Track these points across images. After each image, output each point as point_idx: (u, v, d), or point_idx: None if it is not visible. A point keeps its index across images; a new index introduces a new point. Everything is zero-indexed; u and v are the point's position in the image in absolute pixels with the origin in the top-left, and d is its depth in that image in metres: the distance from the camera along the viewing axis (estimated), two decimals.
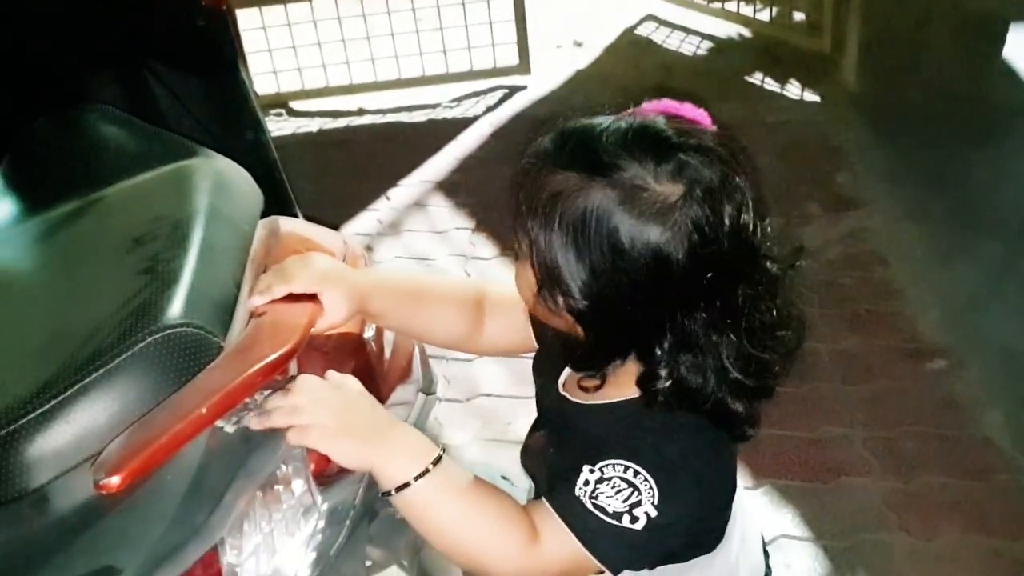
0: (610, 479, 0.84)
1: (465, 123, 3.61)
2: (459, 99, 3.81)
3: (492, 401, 2.26)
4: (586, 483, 0.85)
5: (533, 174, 0.87)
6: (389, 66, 3.81)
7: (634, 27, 4.28)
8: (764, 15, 4.07)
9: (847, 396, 2.19)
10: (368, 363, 1.17)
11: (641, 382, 0.87)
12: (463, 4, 3.72)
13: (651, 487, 0.84)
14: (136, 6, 1.87)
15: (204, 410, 0.77)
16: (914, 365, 2.27)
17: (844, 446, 2.07)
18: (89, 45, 1.82)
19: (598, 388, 0.90)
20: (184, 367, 0.86)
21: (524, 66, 3.88)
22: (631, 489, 0.84)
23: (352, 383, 0.88)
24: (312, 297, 0.94)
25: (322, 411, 0.84)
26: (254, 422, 0.84)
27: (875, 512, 1.91)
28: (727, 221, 0.83)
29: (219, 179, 1.16)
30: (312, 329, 0.92)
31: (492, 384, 2.31)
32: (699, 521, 0.92)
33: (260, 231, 1.21)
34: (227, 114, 2.05)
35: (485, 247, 2.86)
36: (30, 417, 0.80)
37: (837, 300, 2.49)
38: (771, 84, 3.68)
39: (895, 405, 2.16)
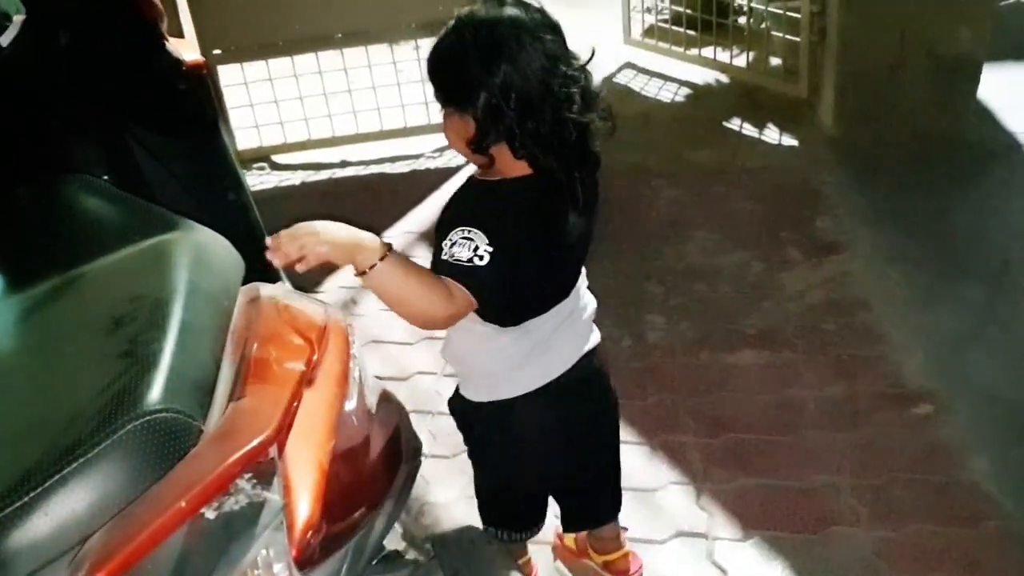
0: (457, 241, 1.27)
1: (448, 173, 3.62)
2: (441, 149, 3.82)
3: None
4: (447, 247, 1.28)
5: (455, 56, 1.30)
6: (371, 118, 3.83)
7: (613, 75, 4.32)
8: (741, 61, 4.13)
9: (833, 443, 2.19)
10: (351, 433, 1.16)
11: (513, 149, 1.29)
12: None
13: (481, 235, 1.27)
14: (119, 71, 1.88)
15: (184, 503, 0.77)
16: (900, 410, 2.27)
17: (832, 495, 2.06)
18: (72, 110, 1.83)
19: (488, 167, 1.34)
20: (164, 453, 0.86)
21: None
22: (469, 241, 1.27)
23: (322, 222, 1.19)
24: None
25: (317, 241, 1.17)
26: (300, 268, 1.15)
27: (866, 562, 1.90)
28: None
29: (199, 254, 1.17)
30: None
31: None
32: (515, 281, 1.30)
33: (240, 301, 1.21)
34: (209, 175, 2.06)
35: None
36: (8, 511, 0.79)
37: (820, 345, 2.50)
38: (749, 129, 3.72)
39: (882, 452, 2.15)
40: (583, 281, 1.54)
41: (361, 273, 1.21)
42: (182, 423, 0.87)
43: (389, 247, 1.22)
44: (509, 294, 1.31)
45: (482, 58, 1.26)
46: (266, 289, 1.31)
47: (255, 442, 0.83)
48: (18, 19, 1.73)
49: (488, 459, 1.62)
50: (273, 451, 0.95)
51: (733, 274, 2.81)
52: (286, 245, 1.16)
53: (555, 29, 1.33)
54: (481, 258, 1.26)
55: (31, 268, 1.23)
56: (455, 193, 1.41)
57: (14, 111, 1.79)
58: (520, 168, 1.32)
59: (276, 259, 1.16)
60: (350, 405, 1.15)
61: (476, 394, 1.50)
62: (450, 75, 1.31)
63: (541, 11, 1.33)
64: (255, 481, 0.87)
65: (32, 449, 0.85)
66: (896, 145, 3.30)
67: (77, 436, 0.84)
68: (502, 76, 1.25)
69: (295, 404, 0.94)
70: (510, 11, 1.30)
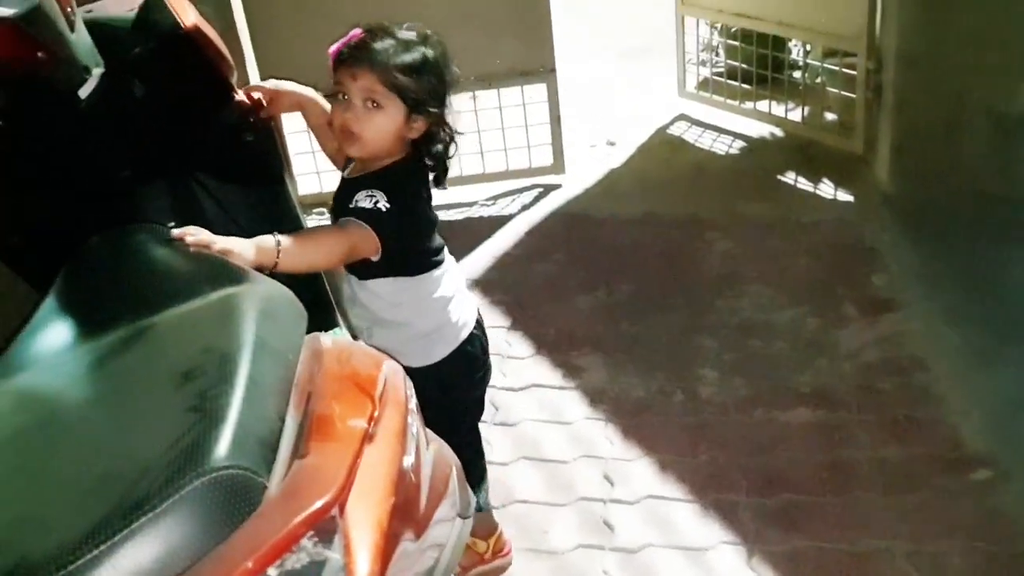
0: (361, 199, 1.60)
1: (501, 221, 3.67)
2: (495, 198, 3.87)
3: (527, 508, 2.25)
4: (352, 205, 1.61)
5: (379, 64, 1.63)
6: None
7: (667, 126, 4.35)
8: (796, 115, 4.13)
9: (888, 507, 2.15)
10: (409, 490, 1.17)
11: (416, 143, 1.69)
12: (500, 109, 3.81)
13: (381, 193, 1.60)
14: (190, 123, 1.94)
15: (251, 564, 0.78)
16: (957, 475, 2.23)
17: (887, 560, 2.02)
18: (143, 161, 1.88)
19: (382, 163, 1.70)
20: (230, 510, 0.87)
21: (559, 165, 3.94)
22: (371, 198, 1.60)
23: (231, 239, 1.44)
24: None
25: (229, 244, 1.42)
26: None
27: None
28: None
29: (265, 307, 1.19)
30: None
31: (528, 490, 2.30)
32: (415, 227, 1.70)
33: (303, 354, 1.24)
34: (272, 224, 2.08)
35: (521, 346, 2.88)
36: (79, 563, 0.81)
37: (875, 406, 2.46)
38: (804, 183, 3.71)
39: (939, 517, 2.11)
40: None
41: (272, 268, 1.46)
42: (248, 480, 0.89)
43: (278, 241, 1.49)
44: (406, 238, 1.66)
45: (446, 76, 1.70)
46: (327, 341, 1.33)
47: (320, 503, 0.84)
48: (97, 72, 1.79)
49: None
50: (335, 509, 0.97)
51: (787, 330, 2.79)
52: (201, 239, 1.40)
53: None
54: (382, 208, 1.59)
55: (102, 318, 1.27)
56: (344, 185, 1.75)
57: (89, 162, 1.86)
58: (397, 154, 1.70)
59: (190, 239, 1.40)
60: (408, 461, 1.16)
61: (415, 360, 1.74)
62: (431, 85, 1.67)
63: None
64: (316, 539, 0.88)
65: (102, 501, 0.88)
66: (953, 203, 3.26)
67: (146, 490, 0.86)
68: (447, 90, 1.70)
69: (357, 462, 0.96)
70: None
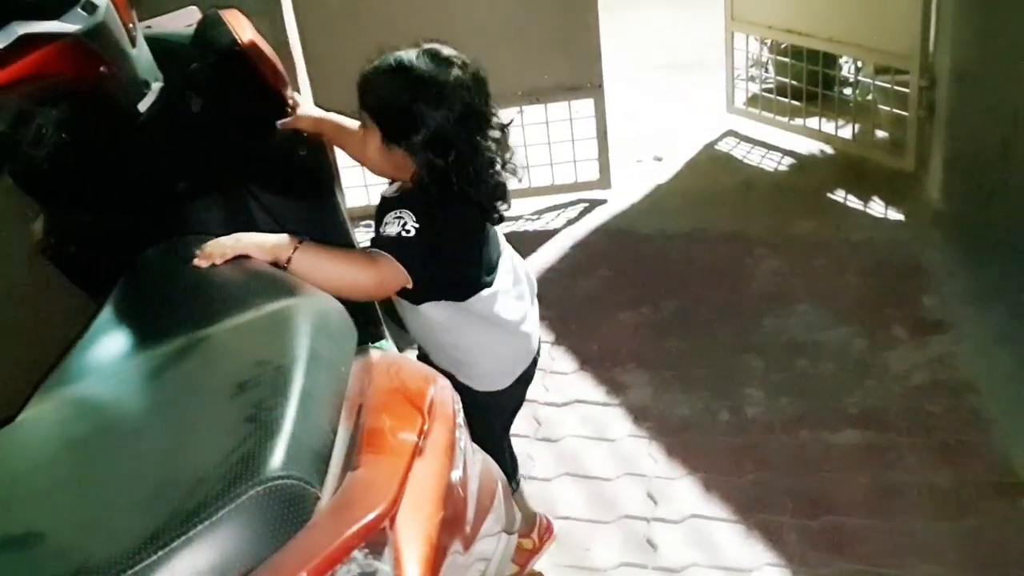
0: (390, 222, 1.53)
1: (546, 236, 3.67)
2: (540, 212, 3.88)
3: (570, 524, 2.25)
4: (381, 229, 1.55)
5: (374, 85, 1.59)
6: None
7: (714, 142, 4.33)
8: (846, 132, 4.09)
9: (938, 533, 2.11)
10: (456, 504, 1.18)
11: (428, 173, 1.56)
12: (547, 123, 3.82)
13: (410, 213, 1.53)
14: (245, 137, 1.98)
15: (303, 575, 0.79)
16: (1008, 501, 2.18)
17: None
18: (199, 173, 1.92)
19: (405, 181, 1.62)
20: (284, 519, 0.89)
21: (604, 180, 3.95)
22: (398, 219, 1.52)
23: (246, 234, 1.50)
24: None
25: (237, 244, 1.45)
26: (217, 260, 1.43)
27: None
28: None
29: (319, 321, 1.21)
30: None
31: (571, 507, 2.29)
32: (446, 254, 1.58)
33: (354, 367, 1.25)
34: (323, 235, 2.12)
35: (564, 361, 2.88)
36: (138, 568, 0.83)
37: (925, 429, 2.43)
38: (854, 202, 3.67)
39: (989, 544, 2.07)
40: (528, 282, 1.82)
41: (286, 263, 1.45)
42: (301, 490, 0.91)
43: (300, 239, 1.48)
44: (438, 265, 1.57)
45: (434, 109, 1.54)
46: (376, 354, 1.35)
47: (372, 515, 0.85)
48: (156, 86, 1.84)
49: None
50: (385, 522, 0.98)
51: (835, 350, 2.76)
52: (212, 251, 1.43)
53: (484, 84, 1.59)
54: (408, 232, 1.52)
55: (159, 328, 1.30)
56: (381, 204, 1.66)
57: (146, 173, 1.90)
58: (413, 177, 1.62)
59: (202, 262, 1.42)
60: (456, 475, 1.17)
61: (474, 384, 1.73)
62: (404, 116, 1.56)
63: (475, 71, 1.58)
64: (367, 552, 0.89)
65: (159, 509, 0.90)
66: (1007, 222, 3.20)
67: (203, 499, 0.88)
68: (441, 126, 1.54)
69: (408, 476, 0.97)
70: (455, 72, 1.55)
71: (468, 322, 1.69)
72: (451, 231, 1.59)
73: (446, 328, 1.69)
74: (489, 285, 1.67)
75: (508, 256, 1.76)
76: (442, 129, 1.53)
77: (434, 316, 1.67)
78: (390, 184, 1.70)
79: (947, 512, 2.17)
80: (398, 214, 1.54)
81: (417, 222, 1.52)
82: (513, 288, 1.74)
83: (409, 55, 1.57)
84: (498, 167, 1.61)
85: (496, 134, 1.61)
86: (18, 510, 1.00)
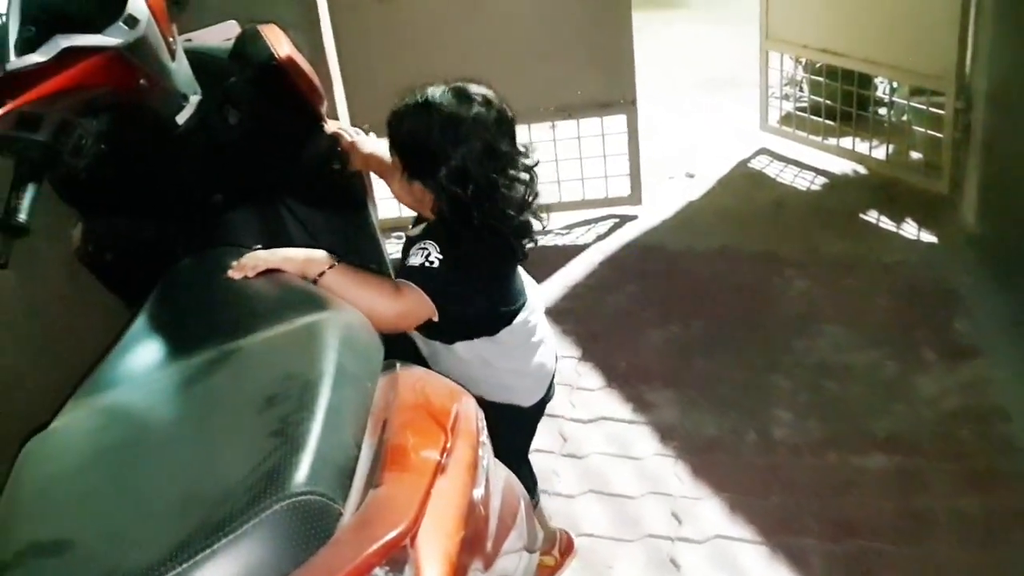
0: (414, 254, 1.56)
1: (575, 251, 3.68)
2: (570, 227, 3.89)
3: (592, 542, 2.24)
4: (406, 261, 1.57)
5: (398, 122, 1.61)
6: None
7: (747, 160, 4.32)
8: (880, 153, 4.06)
9: (966, 561, 2.09)
10: (478, 522, 1.19)
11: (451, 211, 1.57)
12: (578, 139, 3.83)
13: (435, 244, 1.55)
14: (282, 151, 2.01)
15: None
16: None
17: None
18: (235, 185, 1.95)
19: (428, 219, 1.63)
20: (307, 534, 0.90)
21: (636, 196, 3.95)
22: (422, 250, 1.55)
23: (282, 249, 1.54)
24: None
25: (272, 258, 1.49)
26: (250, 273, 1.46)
27: None
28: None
29: (347, 336, 1.23)
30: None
31: (594, 524, 2.29)
32: (470, 287, 1.59)
33: (380, 382, 1.27)
34: (354, 248, 2.15)
35: (591, 377, 2.88)
36: None
37: (955, 455, 2.40)
38: (886, 223, 3.64)
39: (1019, 575, 2.04)
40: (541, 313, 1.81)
41: (314, 280, 1.48)
42: (324, 506, 0.92)
43: (337, 259, 1.51)
44: (462, 298, 1.57)
45: (451, 148, 1.54)
46: (401, 370, 1.36)
47: (394, 533, 0.87)
48: (194, 99, 1.86)
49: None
50: (406, 540, 0.99)
51: (865, 373, 2.74)
52: (246, 263, 1.47)
53: (509, 125, 1.60)
54: (432, 263, 1.53)
55: (191, 339, 1.32)
56: (406, 243, 1.68)
57: (183, 185, 1.93)
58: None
59: (236, 273, 1.45)
60: (478, 493, 1.18)
61: (503, 400, 1.73)
62: (420, 155, 1.58)
63: (499, 110, 1.59)
64: (388, 569, 0.90)
65: (185, 521, 0.91)
66: None
67: (228, 512, 0.90)
68: (460, 163, 1.54)
69: (430, 494, 0.98)
70: (476, 110, 1.56)
71: (502, 354, 1.69)
72: (475, 263, 1.59)
73: (483, 362, 1.69)
74: (517, 314, 1.68)
75: (526, 278, 1.78)
76: (461, 165, 1.54)
77: (468, 354, 1.68)
78: (414, 224, 1.71)
79: (975, 540, 2.14)
80: (422, 246, 1.56)
81: (441, 253, 1.54)
82: (537, 310, 1.77)
83: (434, 92, 1.58)
84: (522, 207, 1.60)
85: (523, 176, 1.61)
86: (50, 516, 1.02)
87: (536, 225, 1.64)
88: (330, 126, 2.04)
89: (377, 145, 1.91)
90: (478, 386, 1.67)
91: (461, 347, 1.67)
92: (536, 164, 1.63)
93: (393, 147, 1.62)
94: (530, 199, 1.61)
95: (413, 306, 1.53)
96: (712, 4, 7.40)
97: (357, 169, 2.00)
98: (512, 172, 1.58)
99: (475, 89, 1.59)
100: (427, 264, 1.53)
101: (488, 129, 1.56)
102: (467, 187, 1.54)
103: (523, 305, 1.69)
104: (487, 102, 1.58)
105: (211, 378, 1.20)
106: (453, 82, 1.61)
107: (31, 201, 1.62)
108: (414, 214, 1.75)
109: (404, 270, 1.56)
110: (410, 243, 1.63)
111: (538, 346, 1.77)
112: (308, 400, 1.04)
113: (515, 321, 1.67)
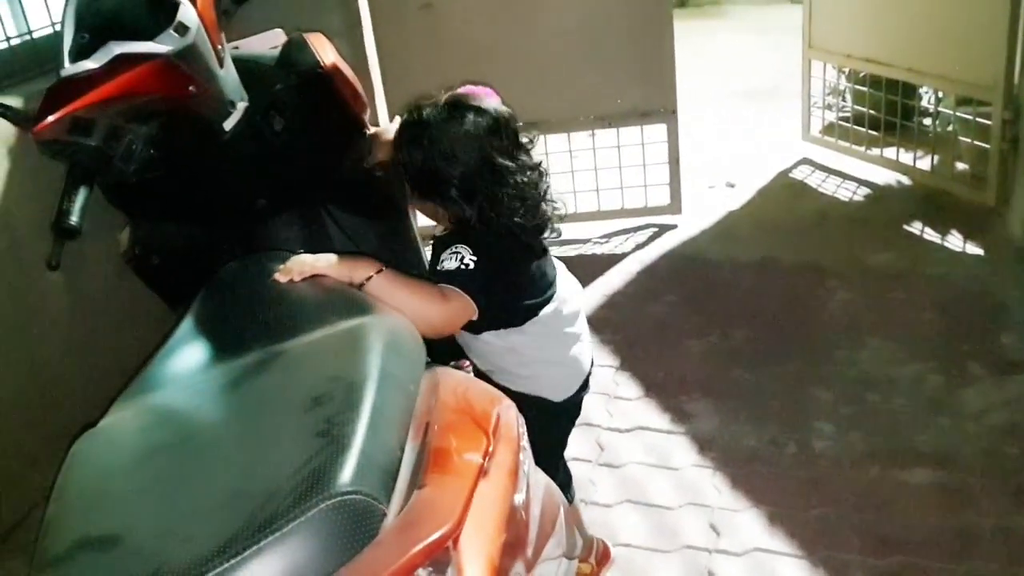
0: (447, 258, 1.58)
1: (614, 259, 3.67)
2: (609, 235, 3.88)
3: (629, 552, 2.23)
4: (440, 266, 1.59)
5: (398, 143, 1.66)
6: None
7: (789, 170, 4.29)
8: (924, 164, 4.01)
9: None
10: (519, 527, 1.19)
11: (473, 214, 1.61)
12: (618, 147, 3.83)
13: (466, 247, 1.57)
14: (326, 157, 2.03)
15: None
16: None
17: None
18: (279, 191, 1.97)
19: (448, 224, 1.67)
20: (351, 534, 0.91)
21: (675, 206, 3.93)
22: (457, 254, 1.57)
23: (327, 255, 1.55)
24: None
25: (318, 262, 1.51)
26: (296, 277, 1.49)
27: None
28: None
29: (391, 339, 1.24)
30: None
31: (631, 534, 2.28)
32: (503, 283, 1.61)
33: (423, 385, 1.27)
34: (395, 254, 2.17)
35: (629, 387, 2.87)
36: (209, 574, 0.86)
37: (1000, 471, 2.35)
38: (931, 235, 3.59)
39: None
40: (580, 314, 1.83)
41: (360, 285, 1.49)
42: (369, 506, 0.93)
43: (384, 265, 1.53)
44: (498, 294, 1.60)
45: (448, 167, 1.59)
46: (443, 374, 1.37)
47: (438, 534, 0.87)
48: (241, 106, 1.89)
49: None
50: (449, 542, 0.99)
51: (909, 386, 2.70)
52: (292, 268, 1.49)
53: (506, 126, 1.63)
54: (468, 265, 1.57)
55: (237, 341, 1.34)
56: (434, 246, 1.70)
57: (229, 190, 1.96)
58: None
59: (282, 277, 1.48)
60: (519, 498, 1.18)
61: (538, 393, 1.75)
62: (424, 171, 1.62)
63: (495, 115, 1.62)
64: (431, 570, 0.91)
65: (233, 518, 0.92)
66: None
67: (274, 510, 0.91)
68: (461, 180, 1.58)
69: (472, 497, 0.98)
70: (468, 124, 1.60)
71: (530, 344, 1.72)
72: (504, 261, 1.63)
73: (511, 350, 1.72)
74: (545, 305, 1.70)
75: (562, 273, 1.80)
76: (463, 182, 1.58)
77: (497, 342, 1.71)
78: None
79: (1022, 559, 2.10)
80: (455, 249, 1.59)
81: (474, 255, 1.57)
82: (571, 301, 1.78)
83: (427, 110, 1.62)
84: (535, 202, 1.64)
85: (530, 175, 1.64)
86: (100, 512, 1.04)
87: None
88: (372, 132, 2.06)
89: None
90: (508, 376, 1.74)
91: (488, 335, 1.70)
92: (540, 164, 1.67)
93: (400, 165, 1.66)
94: (541, 195, 1.65)
95: (459, 309, 1.56)
96: (753, 14, 7.37)
97: (383, 160, 2.00)
98: (518, 178, 1.61)
99: (467, 99, 1.63)
100: (463, 267, 1.57)
101: (481, 140, 1.59)
102: (473, 200, 1.59)
103: (551, 297, 1.71)
104: (479, 110, 1.61)
105: (257, 379, 1.22)
106: (451, 91, 1.65)
107: (83, 205, 1.66)
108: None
109: (442, 274, 1.58)
110: (440, 244, 1.66)
111: (573, 339, 1.78)
112: (353, 401, 1.05)
113: (542, 312, 1.69)
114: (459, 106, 1.61)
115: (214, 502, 0.98)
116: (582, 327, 1.83)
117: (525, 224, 1.62)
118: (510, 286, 1.66)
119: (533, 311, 1.69)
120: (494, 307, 1.62)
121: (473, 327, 1.66)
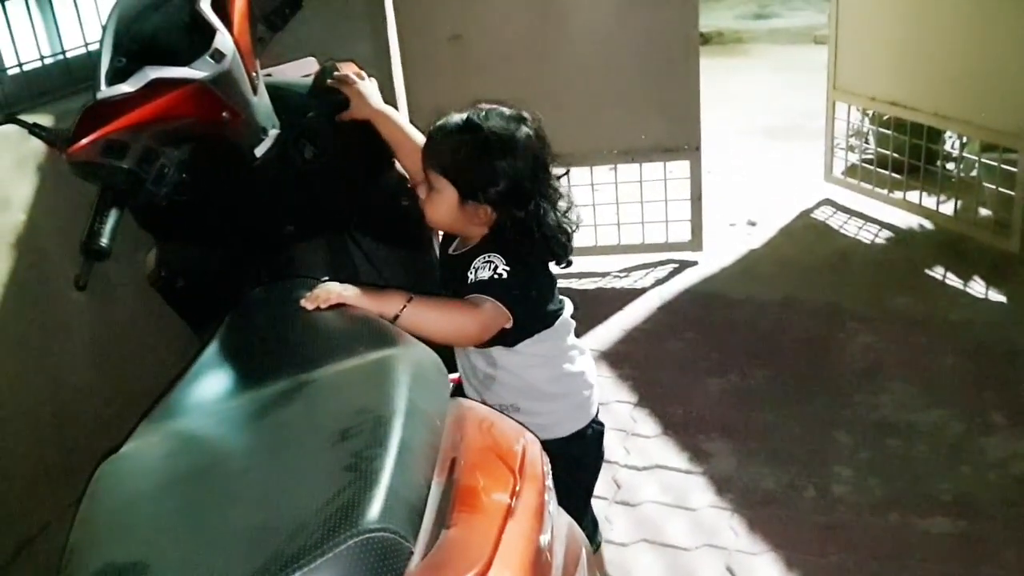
0: (480, 267, 1.60)
1: (633, 294, 3.66)
2: (629, 270, 3.88)
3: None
4: (472, 276, 1.61)
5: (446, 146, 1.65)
6: None
7: (810, 210, 4.28)
8: (948, 208, 4.00)
9: None
10: (544, 569, 1.18)
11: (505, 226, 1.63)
12: (640, 183, 3.83)
13: (499, 256, 1.60)
14: (353, 186, 2.04)
15: None
16: None
17: None
18: (307, 218, 1.98)
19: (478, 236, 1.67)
20: (378, 571, 0.90)
21: (696, 242, 3.93)
22: (490, 264, 1.60)
23: (354, 293, 1.51)
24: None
25: (346, 291, 1.50)
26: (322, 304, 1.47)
27: None
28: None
29: (417, 372, 1.23)
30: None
31: (646, 574, 2.25)
32: (534, 289, 1.66)
33: (448, 420, 1.27)
34: (418, 283, 2.16)
35: (646, 424, 2.85)
36: None
37: (1022, 522, 2.32)
38: (953, 280, 3.57)
39: None
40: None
41: (394, 318, 1.50)
42: (396, 544, 0.92)
43: (412, 296, 1.53)
44: (532, 300, 1.64)
45: (506, 164, 1.60)
46: (467, 407, 1.36)
47: None
48: (273, 133, 1.90)
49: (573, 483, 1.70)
50: None
51: (930, 433, 2.68)
52: (319, 295, 1.47)
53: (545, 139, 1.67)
54: (501, 274, 1.59)
55: (263, 369, 1.33)
56: (449, 261, 1.75)
57: (257, 216, 1.97)
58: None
59: (308, 304, 1.46)
60: (545, 539, 1.16)
61: (553, 432, 1.70)
62: (481, 173, 1.62)
63: (539, 126, 1.67)
64: None
65: (259, 552, 0.91)
66: None
67: (301, 545, 0.90)
68: (515, 178, 1.60)
69: (501, 538, 0.97)
70: (525, 127, 1.64)
71: (555, 353, 1.75)
72: (534, 269, 1.68)
73: (544, 362, 1.74)
74: (561, 312, 1.75)
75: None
76: (519, 180, 1.61)
77: (531, 351, 1.71)
78: (446, 243, 1.79)
79: None
80: (487, 259, 1.61)
81: (507, 264, 1.59)
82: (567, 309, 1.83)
83: (476, 114, 1.65)
84: (565, 214, 1.68)
85: (561, 187, 1.69)
86: (124, 540, 1.03)
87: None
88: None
89: (375, 103, 1.99)
90: (534, 403, 1.75)
91: (524, 345, 1.70)
92: (567, 172, 1.73)
93: (442, 172, 1.64)
94: (568, 208, 1.69)
95: (491, 317, 1.58)
96: (776, 53, 7.40)
97: (361, 118, 1.99)
98: (555, 184, 1.67)
99: (510, 110, 1.67)
100: (497, 276, 1.59)
101: (535, 145, 1.63)
102: (525, 201, 1.61)
103: (563, 304, 1.77)
104: (528, 119, 1.66)
105: (284, 409, 1.21)
106: (481, 105, 1.68)
107: (113, 226, 1.67)
108: None
109: (475, 284, 1.59)
110: (456, 262, 1.69)
111: (578, 350, 1.81)
112: (381, 435, 1.04)
113: (559, 320, 1.74)
114: (508, 113, 1.65)
115: (240, 534, 0.97)
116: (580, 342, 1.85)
117: (566, 232, 1.66)
118: (542, 292, 1.70)
119: (556, 315, 1.74)
120: (527, 315, 1.64)
121: (506, 338, 1.67)
